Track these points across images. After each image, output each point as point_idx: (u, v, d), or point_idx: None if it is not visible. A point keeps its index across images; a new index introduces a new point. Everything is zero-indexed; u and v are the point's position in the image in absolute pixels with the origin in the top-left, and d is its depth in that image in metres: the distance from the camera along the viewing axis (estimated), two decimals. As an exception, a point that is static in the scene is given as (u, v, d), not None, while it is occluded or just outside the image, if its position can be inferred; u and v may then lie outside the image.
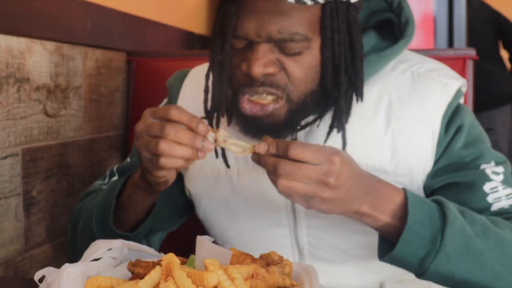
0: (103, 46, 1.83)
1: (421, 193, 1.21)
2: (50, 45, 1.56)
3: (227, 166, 1.23)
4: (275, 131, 1.14)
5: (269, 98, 1.12)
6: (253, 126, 1.15)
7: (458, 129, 1.19)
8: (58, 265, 0.99)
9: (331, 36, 1.11)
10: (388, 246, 1.08)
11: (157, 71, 1.91)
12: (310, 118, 1.18)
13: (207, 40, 2.91)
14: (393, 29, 1.25)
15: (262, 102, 1.12)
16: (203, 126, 1.03)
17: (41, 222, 1.55)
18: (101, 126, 1.85)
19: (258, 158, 1.03)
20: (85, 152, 1.75)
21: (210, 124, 1.19)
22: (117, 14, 1.91)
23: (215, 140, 1.04)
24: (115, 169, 1.38)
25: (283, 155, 1.00)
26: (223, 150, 1.23)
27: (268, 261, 0.98)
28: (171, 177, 1.10)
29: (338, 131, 1.16)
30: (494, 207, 1.15)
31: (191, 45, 2.64)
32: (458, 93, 1.21)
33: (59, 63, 1.60)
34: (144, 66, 1.93)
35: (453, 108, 1.20)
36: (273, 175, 1.01)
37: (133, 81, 1.95)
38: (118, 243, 1.05)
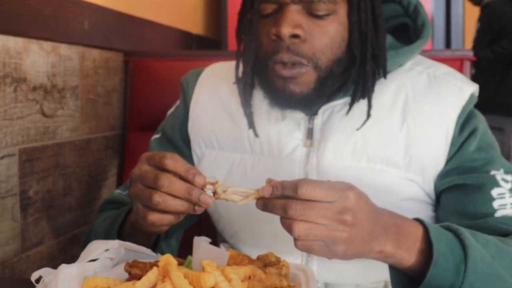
0: (100, 46, 1.83)
1: (432, 192, 1.22)
2: (47, 45, 1.56)
3: (256, 135, 1.25)
4: (305, 101, 1.17)
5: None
6: (282, 97, 1.17)
7: (472, 132, 1.21)
8: (54, 266, 0.99)
9: (357, 3, 1.16)
10: (401, 276, 1.04)
11: (155, 71, 1.91)
12: (336, 86, 1.20)
13: (205, 40, 2.91)
14: (407, 33, 1.29)
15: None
16: (200, 178, 0.95)
17: (37, 223, 1.55)
18: (98, 126, 1.84)
19: (264, 203, 0.95)
20: (82, 152, 1.75)
21: (243, 96, 1.24)
22: (115, 14, 1.91)
23: (214, 193, 0.96)
24: None
25: (292, 195, 0.91)
26: (251, 121, 1.25)
27: (265, 262, 0.98)
28: (165, 228, 1.04)
29: (364, 97, 1.20)
30: (498, 214, 1.15)
31: (188, 45, 2.64)
32: (472, 97, 1.23)
33: (56, 63, 1.60)
34: (141, 66, 1.93)
35: (468, 111, 1.22)
36: (286, 219, 0.92)
37: (130, 81, 1.94)
38: (115, 243, 1.05)
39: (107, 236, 1.19)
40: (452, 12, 2.88)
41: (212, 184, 0.97)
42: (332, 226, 0.91)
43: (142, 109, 1.92)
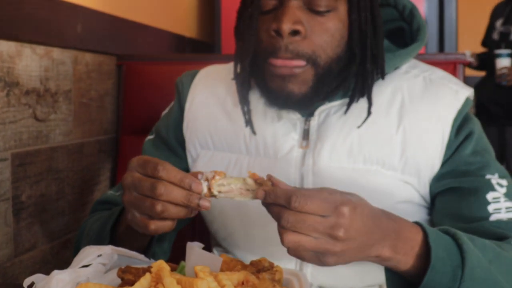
0: (93, 50, 1.82)
1: (427, 195, 1.22)
2: (40, 49, 1.55)
3: (253, 132, 1.25)
4: (303, 101, 1.17)
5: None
6: (280, 97, 1.17)
7: (468, 136, 1.21)
8: (47, 271, 0.99)
9: (357, 1, 1.16)
10: (397, 279, 1.04)
11: (148, 75, 1.91)
12: (334, 85, 1.20)
13: (198, 43, 2.91)
14: (402, 37, 1.29)
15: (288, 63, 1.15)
16: (196, 186, 0.96)
17: (30, 227, 1.54)
18: (91, 130, 1.84)
19: (265, 197, 0.95)
20: (75, 156, 1.75)
21: (241, 92, 1.23)
22: (108, 18, 1.90)
23: (209, 189, 0.97)
24: None
25: (286, 204, 0.91)
26: (249, 118, 1.25)
27: (258, 267, 0.98)
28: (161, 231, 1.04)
29: (363, 95, 1.20)
30: (492, 218, 1.15)
31: (182, 48, 2.64)
32: (468, 101, 1.24)
33: (49, 67, 1.59)
34: (134, 70, 1.93)
35: (464, 114, 1.22)
36: (279, 227, 0.92)
37: (124, 85, 1.94)
38: (108, 249, 1.05)
39: (99, 236, 1.19)
40: (445, 15, 2.89)
41: (208, 180, 0.97)
42: (323, 240, 0.91)
43: (135, 112, 1.92)
